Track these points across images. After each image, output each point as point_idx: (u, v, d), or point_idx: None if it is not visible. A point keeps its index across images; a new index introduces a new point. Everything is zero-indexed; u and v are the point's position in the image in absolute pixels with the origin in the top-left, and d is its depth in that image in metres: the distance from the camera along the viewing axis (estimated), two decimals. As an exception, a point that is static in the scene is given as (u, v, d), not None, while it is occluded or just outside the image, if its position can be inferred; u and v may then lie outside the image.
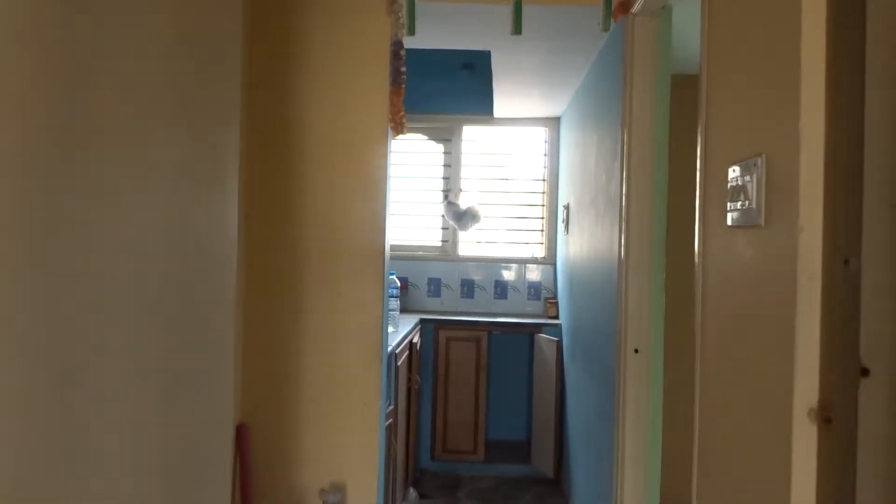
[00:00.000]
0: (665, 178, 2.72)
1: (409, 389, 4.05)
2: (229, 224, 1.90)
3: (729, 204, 1.50)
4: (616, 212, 2.82)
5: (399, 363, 3.56)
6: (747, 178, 1.40)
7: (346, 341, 2.68)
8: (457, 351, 4.73)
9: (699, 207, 1.75)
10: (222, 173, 1.85)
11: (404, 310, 5.09)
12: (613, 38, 3.01)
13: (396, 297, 3.98)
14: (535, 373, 4.76)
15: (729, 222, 1.51)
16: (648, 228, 2.70)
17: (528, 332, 4.73)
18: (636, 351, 2.67)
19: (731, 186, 1.49)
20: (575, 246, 4.12)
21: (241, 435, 2.60)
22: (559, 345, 4.41)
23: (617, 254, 2.77)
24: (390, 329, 3.84)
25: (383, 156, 2.73)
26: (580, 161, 4.01)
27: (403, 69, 2.73)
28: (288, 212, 2.68)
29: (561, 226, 4.84)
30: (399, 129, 2.75)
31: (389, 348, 3.22)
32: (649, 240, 2.70)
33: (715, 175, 1.63)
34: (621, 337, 2.69)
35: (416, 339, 4.29)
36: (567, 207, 4.51)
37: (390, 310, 3.90)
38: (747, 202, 1.40)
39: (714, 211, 1.64)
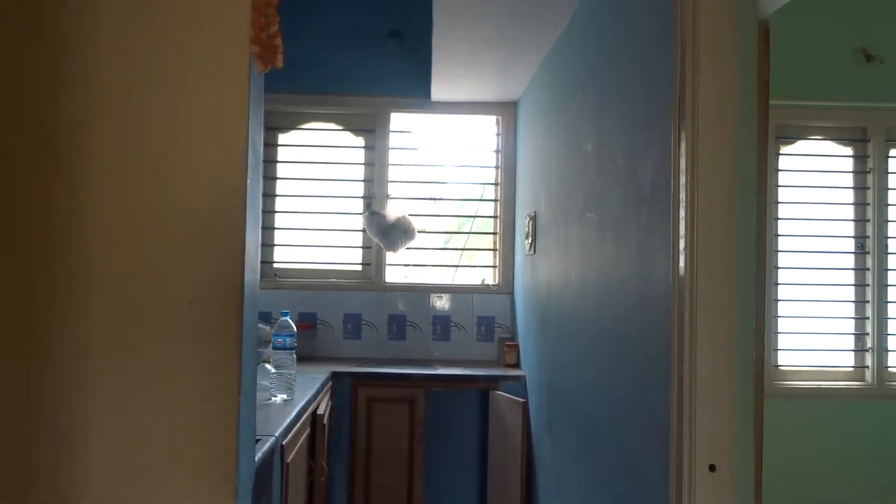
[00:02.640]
0: (752, 172, 1.54)
1: (310, 486, 2.72)
2: None
3: None
4: (661, 218, 1.62)
5: (289, 457, 2.24)
6: None
7: (153, 465, 1.34)
8: (383, 416, 3.43)
9: None
10: None
11: (311, 358, 3.76)
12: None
13: (291, 349, 2.66)
14: (492, 446, 3.50)
15: None
16: (727, 242, 1.50)
17: (479, 388, 3.47)
18: (712, 469, 1.45)
19: None
20: (550, 269, 2.91)
21: None
22: (525, 409, 3.16)
23: (669, 282, 1.55)
24: (281, 398, 2.55)
25: (242, 109, 1.41)
26: (557, 154, 2.81)
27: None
28: (39, 212, 1.33)
29: (522, 242, 3.64)
30: (269, 56, 1.45)
31: (278, 432, 1.95)
32: (728, 263, 1.49)
33: None
34: (682, 440, 1.47)
35: (323, 407, 2.97)
36: (533, 217, 3.30)
37: (281, 371, 2.58)
38: None
39: None
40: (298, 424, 2.42)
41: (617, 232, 1.97)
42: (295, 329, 2.72)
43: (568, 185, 2.60)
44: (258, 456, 1.77)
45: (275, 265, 3.98)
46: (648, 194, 1.72)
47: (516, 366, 3.67)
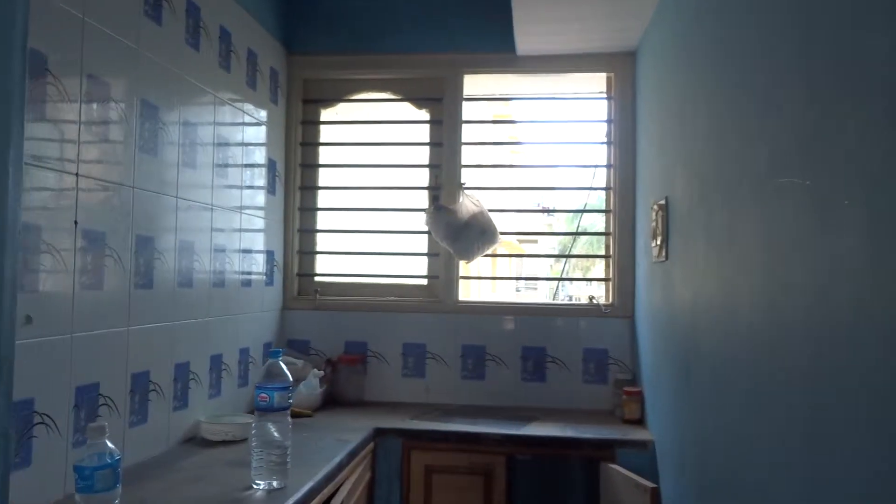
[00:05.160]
0: None
1: None
2: None
3: None
4: None
5: None
6: None
7: None
8: (447, 493, 2.41)
9: None
10: None
11: (359, 403, 2.82)
12: None
13: (282, 409, 1.70)
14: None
15: None
16: None
17: (586, 458, 2.38)
18: None
19: None
20: (695, 282, 1.81)
21: None
22: (656, 498, 2.04)
23: None
24: (266, 486, 1.68)
25: None
26: (710, 102, 1.71)
27: None
28: None
29: (645, 245, 2.53)
30: None
31: None
32: None
33: None
34: None
35: (345, 491, 1.98)
36: (663, 207, 2.20)
37: (267, 442, 1.64)
38: None
39: None
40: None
41: (873, 205, 0.87)
42: (290, 378, 1.76)
43: (731, 142, 1.50)
44: None
45: (316, 279, 3.06)
46: None
47: (640, 422, 2.55)
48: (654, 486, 2.02)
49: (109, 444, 1.23)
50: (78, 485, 1.18)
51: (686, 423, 1.92)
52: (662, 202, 2.21)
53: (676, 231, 2.06)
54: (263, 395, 1.70)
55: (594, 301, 2.90)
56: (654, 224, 2.33)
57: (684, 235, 1.96)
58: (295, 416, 2.52)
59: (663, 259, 2.20)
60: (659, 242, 2.24)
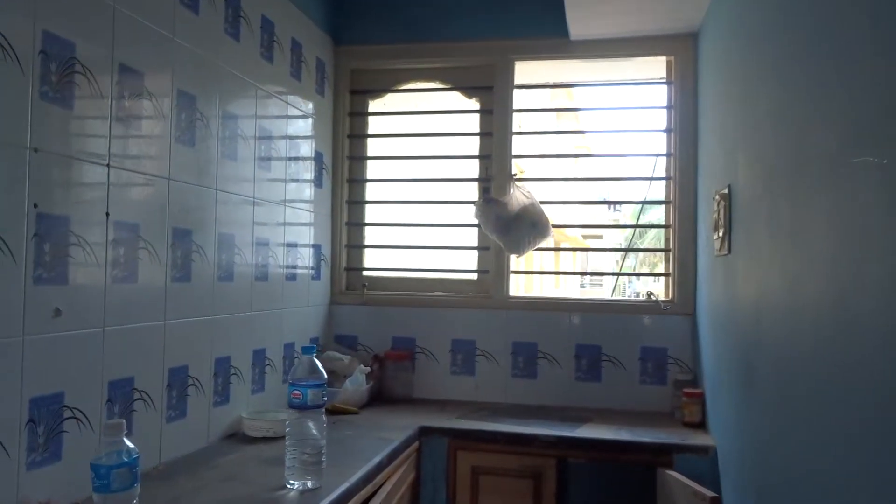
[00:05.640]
0: None
1: None
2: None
3: None
4: None
5: None
6: None
7: None
8: (495, 496, 2.32)
9: None
10: None
11: (406, 400, 2.75)
12: None
13: (317, 407, 1.64)
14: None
15: None
16: None
17: (642, 462, 2.25)
18: None
19: None
20: (759, 278, 1.66)
21: None
22: (717, 507, 1.90)
23: None
24: (300, 486, 1.64)
25: None
26: (774, 83, 1.56)
27: None
28: None
29: (706, 237, 2.37)
30: None
31: None
32: None
33: None
34: None
35: (384, 492, 1.91)
36: (725, 196, 2.04)
37: (300, 442, 1.58)
38: None
39: None
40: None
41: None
42: (325, 376, 1.69)
43: (798, 122, 1.36)
44: None
45: (364, 273, 3.01)
46: None
47: (701, 426, 2.40)
48: (715, 495, 1.88)
49: (127, 442, 1.19)
50: (94, 484, 1.14)
51: (748, 427, 1.77)
52: (725, 191, 2.05)
53: (739, 222, 1.91)
54: (297, 391, 1.65)
55: (653, 297, 2.75)
56: (715, 215, 2.18)
57: (747, 226, 1.81)
58: (340, 412, 2.49)
59: (725, 252, 2.04)
60: (721, 235, 2.09)
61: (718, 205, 2.11)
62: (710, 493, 1.88)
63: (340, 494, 1.64)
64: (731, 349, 1.99)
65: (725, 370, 2.07)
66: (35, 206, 1.35)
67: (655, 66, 2.86)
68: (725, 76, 2.16)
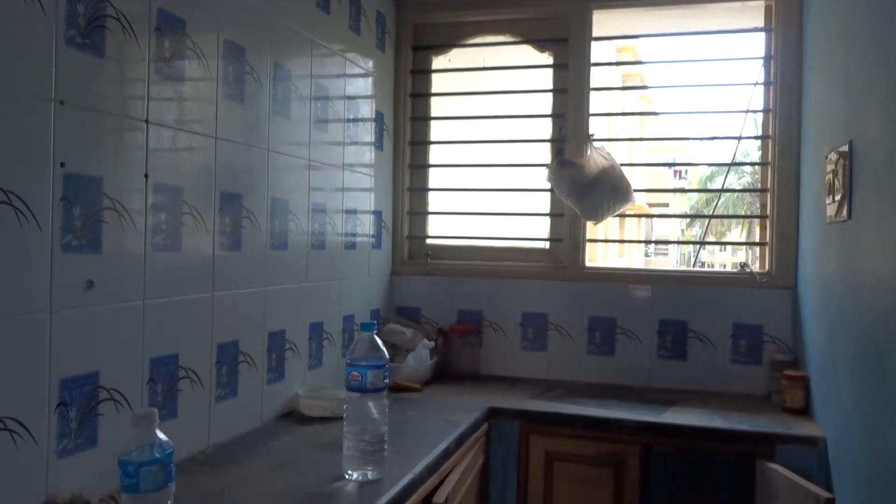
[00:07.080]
0: None
1: None
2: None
3: None
4: None
5: None
6: None
7: None
8: (571, 485, 2.13)
9: None
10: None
11: (473, 378, 2.58)
12: None
13: (378, 390, 1.47)
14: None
15: None
16: None
17: (738, 453, 2.00)
18: None
19: None
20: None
21: None
22: (831, 510, 1.65)
23: None
24: (359, 476, 1.50)
25: None
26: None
27: None
28: None
29: (814, 202, 2.09)
30: None
31: None
32: None
33: None
34: None
35: (451, 483, 1.74)
36: (846, 154, 1.76)
37: (359, 428, 1.43)
38: None
39: None
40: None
41: None
42: (386, 355, 1.52)
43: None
44: None
45: (428, 242, 2.83)
46: None
47: (804, 412, 2.14)
48: (831, 496, 1.64)
49: (160, 435, 1.04)
50: (122, 483, 1.00)
51: (876, 421, 1.52)
52: (844, 149, 1.77)
53: (865, 184, 1.63)
54: (355, 373, 1.48)
55: (747, 269, 2.48)
56: (829, 177, 1.89)
57: (879, 189, 1.54)
58: (402, 389, 2.33)
59: (844, 218, 1.76)
60: (838, 198, 1.80)
61: (836, 164, 1.82)
62: (825, 494, 1.64)
63: (404, 487, 1.47)
64: (853, 330, 1.72)
65: (843, 353, 1.80)
66: (62, 165, 1.21)
67: (749, 14, 2.55)
68: (848, 15, 1.86)
